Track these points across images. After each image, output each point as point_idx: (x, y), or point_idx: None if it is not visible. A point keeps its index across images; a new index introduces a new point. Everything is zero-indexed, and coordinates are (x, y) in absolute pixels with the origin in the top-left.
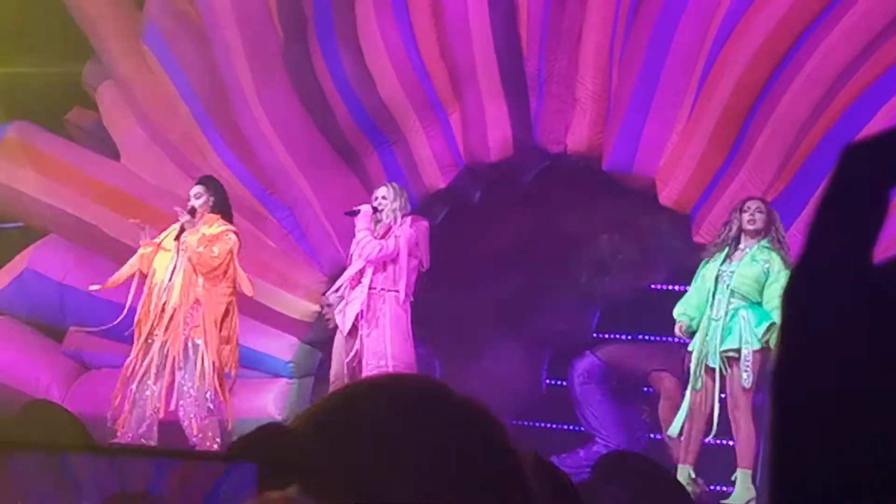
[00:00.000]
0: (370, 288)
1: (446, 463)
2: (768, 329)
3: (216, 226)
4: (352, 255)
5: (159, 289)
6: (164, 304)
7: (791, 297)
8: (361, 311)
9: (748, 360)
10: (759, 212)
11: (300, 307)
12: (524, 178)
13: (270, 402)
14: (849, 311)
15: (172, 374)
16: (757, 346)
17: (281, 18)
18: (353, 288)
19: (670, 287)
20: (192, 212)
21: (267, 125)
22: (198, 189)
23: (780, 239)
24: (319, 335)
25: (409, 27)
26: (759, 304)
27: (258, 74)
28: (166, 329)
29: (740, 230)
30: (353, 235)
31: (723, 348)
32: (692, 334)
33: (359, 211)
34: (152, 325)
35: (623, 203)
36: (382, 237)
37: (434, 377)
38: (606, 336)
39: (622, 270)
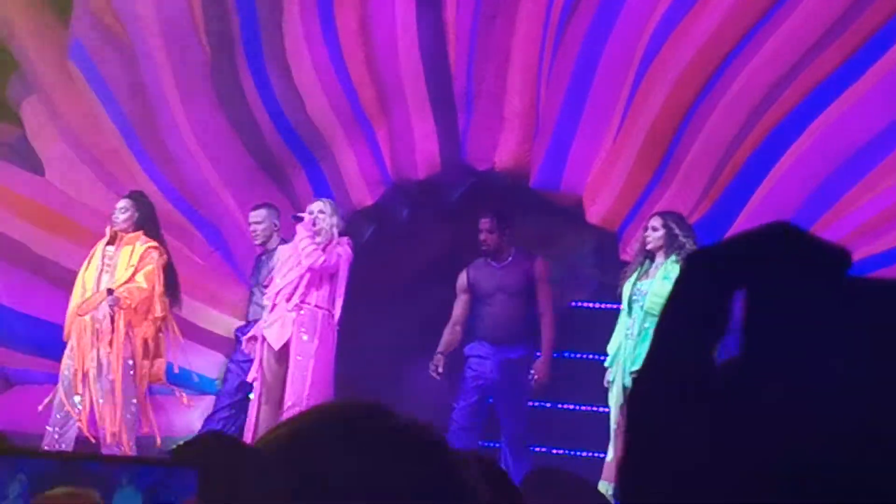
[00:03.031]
0: (304, 304)
1: (393, 487)
2: None
3: (139, 244)
4: (279, 263)
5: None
6: (91, 318)
7: (633, 398)
8: (296, 328)
9: None
10: (654, 229)
11: (227, 324)
12: (452, 196)
13: (197, 419)
14: (688, 415)
15: (97, 387)
16: None
17: (208, 35)
18: (288, 301)
19: (594, 305)
20: (113, 238)
21: (193, 142)
22: (124, 203)
23: None
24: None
25: (337, 44)
26: None
27: (184, 91)
28: (94, 343)
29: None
30: None
31: (632, 369)
32: None
33: (303, 217)
34: (79, 339)
35: (550, 220)
36: (320, 249)
37: (379, 404)
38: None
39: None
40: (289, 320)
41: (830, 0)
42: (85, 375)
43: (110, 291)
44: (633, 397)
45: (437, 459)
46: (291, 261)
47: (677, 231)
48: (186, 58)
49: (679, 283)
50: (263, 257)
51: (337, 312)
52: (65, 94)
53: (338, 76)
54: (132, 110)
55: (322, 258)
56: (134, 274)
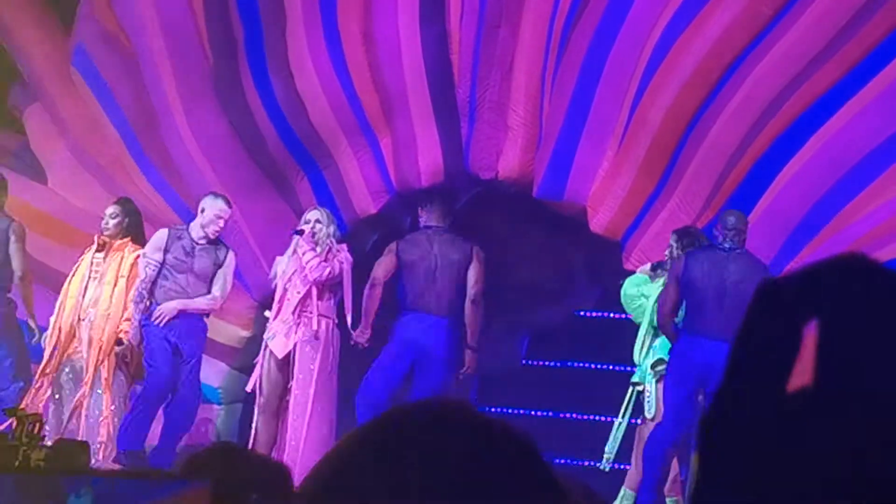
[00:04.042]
0: (307, 313)
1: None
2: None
3: (128, 252)
4: (285, 276)
5: (73, 307)
6: (77, 324)
7: (707, 424)
8: (301, 338)
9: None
10: (669, 244)
11: (229, 332)
12: (455, 204)
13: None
14: (763, 441)
15: (83, 395)
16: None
17: (211, 42)
18: (293, 313)
19: (599, 314)
20: (102, 246)
21: (196, 149)
22: (114, 209)
23: None
24: (248, 361)
25: (341, 52)
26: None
27: (187, 98)
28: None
29: None
30: None
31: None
32: None
33: (304, 231)
34: (65, 346)
35: (553, 230)
36: (323, 262)
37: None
38: (535, 363)
39: (551, 297)
40: (293, 331)
41: (833, 12)
42: (77, 382)
43: (119, 342)
44: (707, 423)
45: (532, 456)
46: (297, 275)
47: (689, 241)
48: (189, 64)
49: (751, 312)
50: (174, 234)
51: (349, 318)
52: (67, 100)
53: (341, 84)
54: (134, 116)
55: (327, 269)
56: (128, 288)
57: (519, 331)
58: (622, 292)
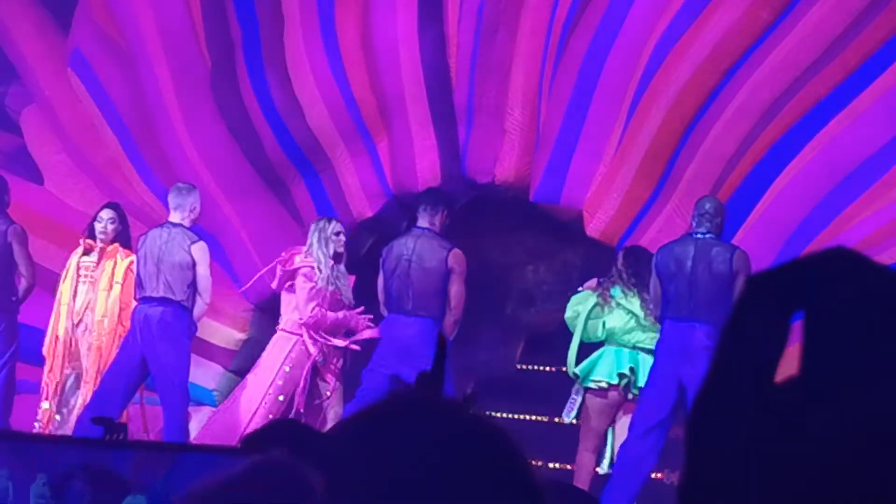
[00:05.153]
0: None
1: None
2: None
3: (119, 258)
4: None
5: (67, 312)
6: (73, 330)
7: (695, 417)
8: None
9: None
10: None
11: (225, 335)
12: (452, 208)
13: (193, 430)
14: (751, 434)
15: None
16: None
17: (208, 44)
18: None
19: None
20: (90, 249)
21: (193, 152)
22: (111, 213)
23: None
24: (244, 364)
25: (338, 56)
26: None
27: (185, 100)
28: (81, 353)
29: None
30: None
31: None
32: None
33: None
34: (65, 349)
35: (550, 234)
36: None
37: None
38: (530, 367)
39: (547, 301)
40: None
41: (831, 18)
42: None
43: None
44: (693, 418)
45: (508, 453)
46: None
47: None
48: (187, 67)
49: (740, 305)
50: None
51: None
52: (64, 103)
53: (339, 87)
54: (132, 119)
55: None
56: (122, 292)
57: (514, 335)
58: (565, 315)
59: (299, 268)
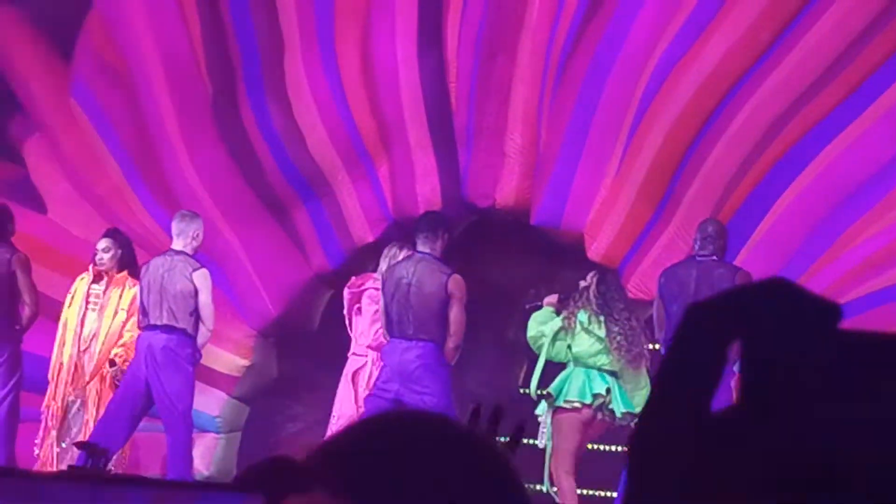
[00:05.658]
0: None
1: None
2: None
3: (128, 287)
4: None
5: (74, 339)
6: (79, 357)
7: (633, 445)
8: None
9: None
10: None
11: (228, 361)
12: (452, 232)
13: (197, 456)
14: (685, 459)
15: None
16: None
17: (210, 71)
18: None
19: None
20: (99, 276)
21: (195, 178)
22: (106, 243)
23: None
24: (248, 390)
25: (339, 80)
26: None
27: (186, 128)
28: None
29: None
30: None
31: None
32: None
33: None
34: (69, 375)
35: (551, 257)
36: None
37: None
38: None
39: None
40: None
41: (830, 39)
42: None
43: (112, 363)
44: (633, 444)
45: (499, 461)
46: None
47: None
48: (188, 94)
49: (678, 332)
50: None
51: None
52: (67, 131)
53: (339, 112)
54: (133, 147)
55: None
56: (127, 319)
57: (516, 359)
58: (527, 332)
59: (365, 290)
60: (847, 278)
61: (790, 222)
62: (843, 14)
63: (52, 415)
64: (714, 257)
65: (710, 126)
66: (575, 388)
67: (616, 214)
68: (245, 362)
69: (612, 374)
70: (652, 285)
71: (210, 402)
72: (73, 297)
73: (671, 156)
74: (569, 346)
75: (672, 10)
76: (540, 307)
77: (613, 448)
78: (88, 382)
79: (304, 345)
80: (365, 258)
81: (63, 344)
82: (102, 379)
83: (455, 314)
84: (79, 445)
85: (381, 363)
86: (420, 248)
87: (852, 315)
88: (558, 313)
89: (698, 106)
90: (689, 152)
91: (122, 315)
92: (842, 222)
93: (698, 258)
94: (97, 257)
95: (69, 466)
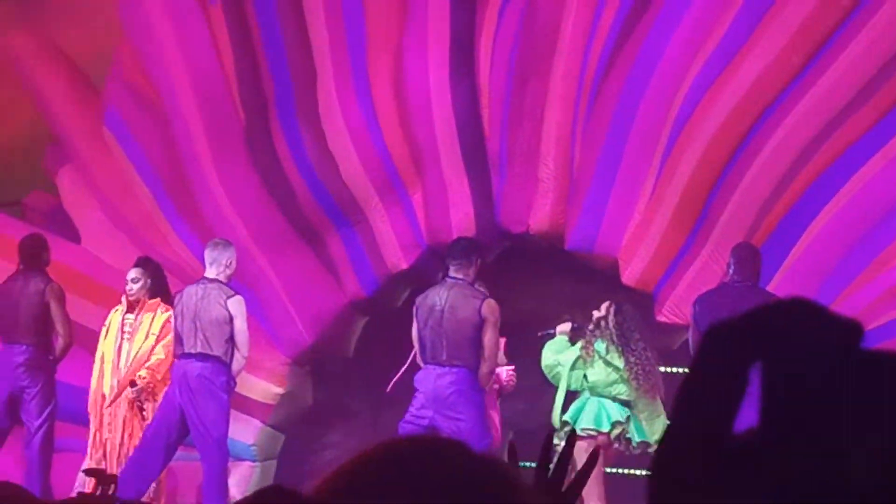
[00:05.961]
0: None
1: None
2: None
3: (160, 312)
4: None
5: (112, 370)
6: (113, 386)
7: (655, 463)
8: None
9: None
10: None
11: (263, 389)
12: (486, 258)
13: (233, 485)
14: (709, 479)
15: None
16: None
17: (242, 99)
18: None
19: None
20: (132, 306)
21: (227, 206)
22: (135, 273)
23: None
24: (283, 418)
25: (371, 107)
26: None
27: (218, 155)
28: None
29: None
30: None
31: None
32: None
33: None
34: (102, 409)
35: (585, 283)
36: None
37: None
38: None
39: None
40: None
41: (863, 61)
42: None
43: (133, 384)
44: (655, 465)
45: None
46: None
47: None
48: (220, 121)
49: (700, 353)
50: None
51: None
52: (99, 161)
53: (372, 139)
54: (166, 175)
55: None
56: (156, 343)
57: (551, 385)
58: (542, 360)
59: None
60: (882, 301)
61: (824, 245)
62: (875, 36)
63: (97, 446)
64: (748, 282)
65: (743, 149)
66: (590, 416)
67: (650, 238)
68: (280, 390)
69: (626, 403)
70: (686, 310)
71: (245, 431)
72: (107, 330)
73: (705, 179)
74: (584, 376)
75: (705, 33)
76: (553, 335)
77: (629, 471)
78: (110, 405)
79: (338, 372)
80: (398, 285)
81: (102, 376)
82: (128, 403)
83: (489, 338)
84: (88, 472)
85: (415, 390)
86: (453, 273)
87: (888, 338)
88: (572, 342)
89: (732, 129)
90: (722, 175)
91: (151, 339)
92: (877, 245)
93: (732, 284)
94: (127, 287)
95: (78, 493)
